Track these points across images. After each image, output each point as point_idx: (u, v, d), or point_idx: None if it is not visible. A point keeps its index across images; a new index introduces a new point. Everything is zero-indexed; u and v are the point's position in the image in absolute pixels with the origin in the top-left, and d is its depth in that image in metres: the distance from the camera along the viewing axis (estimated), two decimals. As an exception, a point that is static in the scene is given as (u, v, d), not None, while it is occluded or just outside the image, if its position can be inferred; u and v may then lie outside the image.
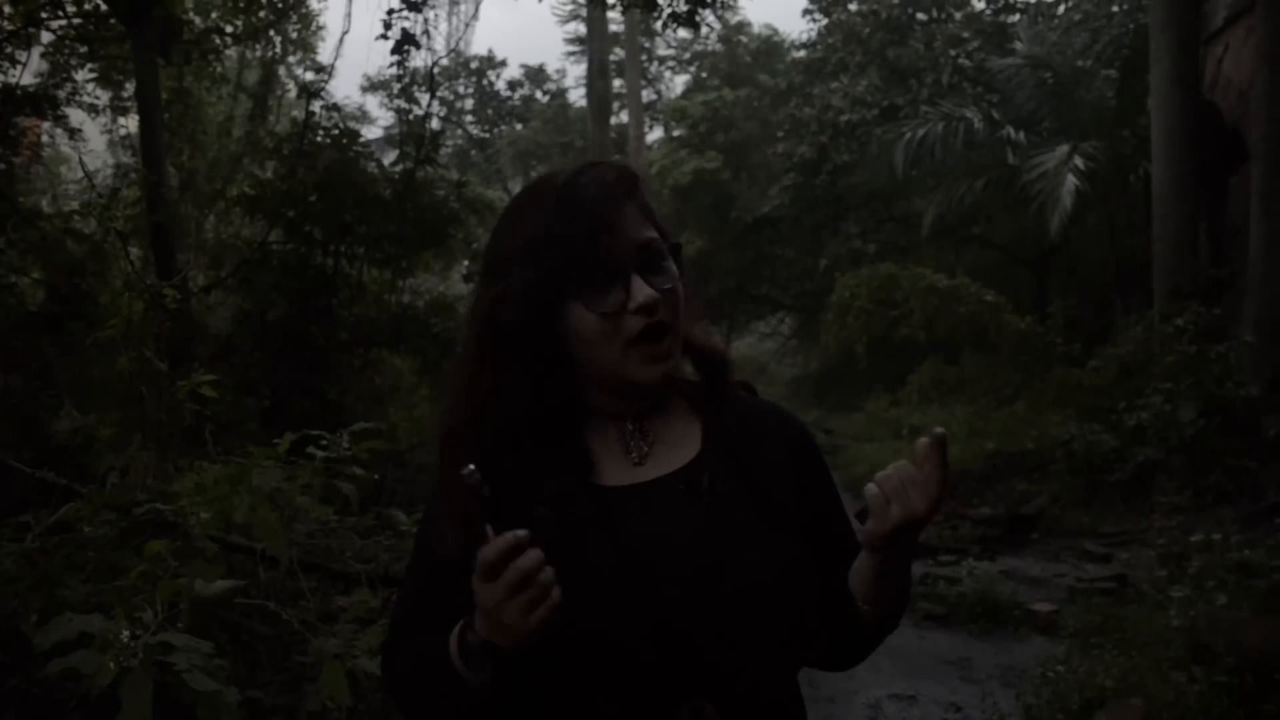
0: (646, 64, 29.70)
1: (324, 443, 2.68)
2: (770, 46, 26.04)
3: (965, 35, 17.55)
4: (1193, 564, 5.15)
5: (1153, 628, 4.48)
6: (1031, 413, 10.42)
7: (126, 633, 1.66)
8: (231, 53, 12.36)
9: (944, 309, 12.70)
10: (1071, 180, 11.53)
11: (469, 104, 31.53)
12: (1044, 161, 12.11)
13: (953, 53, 17.21)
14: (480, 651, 1.02)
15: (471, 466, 0.99)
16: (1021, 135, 13.60)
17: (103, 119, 11.75)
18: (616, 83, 22.76)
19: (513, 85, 31.70)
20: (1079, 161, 11.74)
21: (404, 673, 1.17)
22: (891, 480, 1.08)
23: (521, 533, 0.97)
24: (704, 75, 28.03)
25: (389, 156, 9.81)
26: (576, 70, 30.98)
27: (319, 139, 8.70)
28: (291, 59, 14.29)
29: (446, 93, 29.07)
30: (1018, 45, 14.90)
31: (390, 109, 27.52)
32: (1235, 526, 6.18)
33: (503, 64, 31.43)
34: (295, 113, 12.56)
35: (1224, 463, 7.25)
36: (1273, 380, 7.96)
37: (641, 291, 1.10)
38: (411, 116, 9.80)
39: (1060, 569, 6.63)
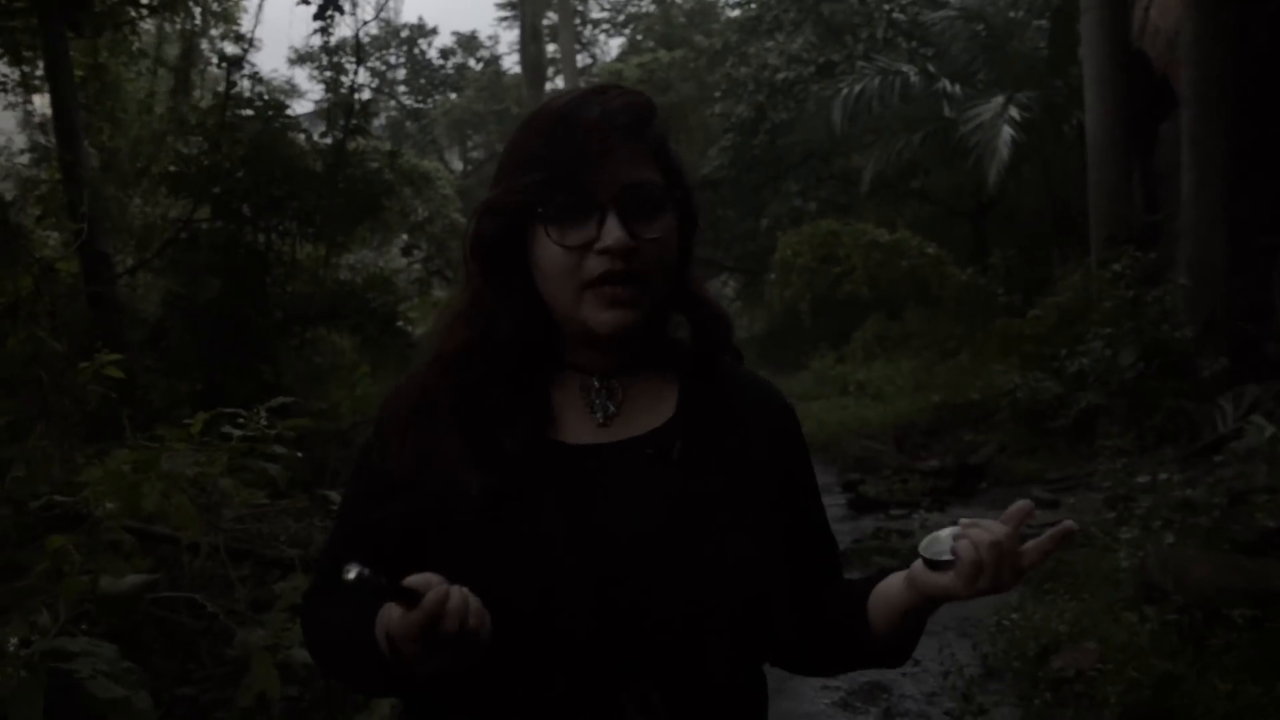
0: (580, 27, 29.27)
1: (241, 420, 2.53)
2: (704, 6, 25.82)
3: (898, -11, 17.52)
4: (1140, 505, 5.22)
5: (1103, 570, 4.53)
6: (975, 364, 10.53)
7: (15, 640, 1.53)
8: (149, 26, 11.89)
9: (886, 264, 12.75)
10: (1008, 131, 11.59)
11: (401, 74, 30.89)
12: (980, 113, 12.15)
13: (886, 7, 17.16)
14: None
15: (357, 569, 0.87)
16: (957, 88, 13.63)
17: (12, 97, 11.23)
18: (550, 47, 22.40)
19: (445, 53, 31.10)
20: (1014, 112, 11.80)
21: (325, 639, 1.10)
22: (994, 551, 0.96)
23: (438, 594, 0.87)
24: (638, 37, 27.73)
25: (321, 130, 9.52)
26: (509, 36, 30.52)
27: (243, 112, 8.40)
28: (213, 31, 13.82)
29: (377, 63, 28.45)
30: (950, -3, 14.88)
31: (319, 81, 26.85)
32: (1176, 466, 6.29)
33: (434, 32, 30.85)
34: (220, 87, 12.16)
35: (1163, 404, 7.38)
36: (1206, 322, 8.11)
37: (612, 234, 1.00)
38: (341, 87, 9.51)
39: (1009, 516, 6.70)
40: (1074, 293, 9.47)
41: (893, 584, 1.06)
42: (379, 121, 23.30)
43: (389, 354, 9.34)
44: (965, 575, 0.97)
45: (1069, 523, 1.00)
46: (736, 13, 21.58)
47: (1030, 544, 0.99)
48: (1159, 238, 10.22)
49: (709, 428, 1.08)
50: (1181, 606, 3.74)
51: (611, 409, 1.08)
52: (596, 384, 1.09)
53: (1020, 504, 0.99)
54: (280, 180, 8.08)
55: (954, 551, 0.97)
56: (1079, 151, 11.42)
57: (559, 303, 1.04)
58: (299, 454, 2.61)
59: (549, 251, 1.02)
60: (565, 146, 1.01)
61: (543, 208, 1.01)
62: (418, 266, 14.23)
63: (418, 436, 1.04)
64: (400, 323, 9.12)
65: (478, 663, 0.91)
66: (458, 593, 0.88)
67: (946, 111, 13.43)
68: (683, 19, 25.89)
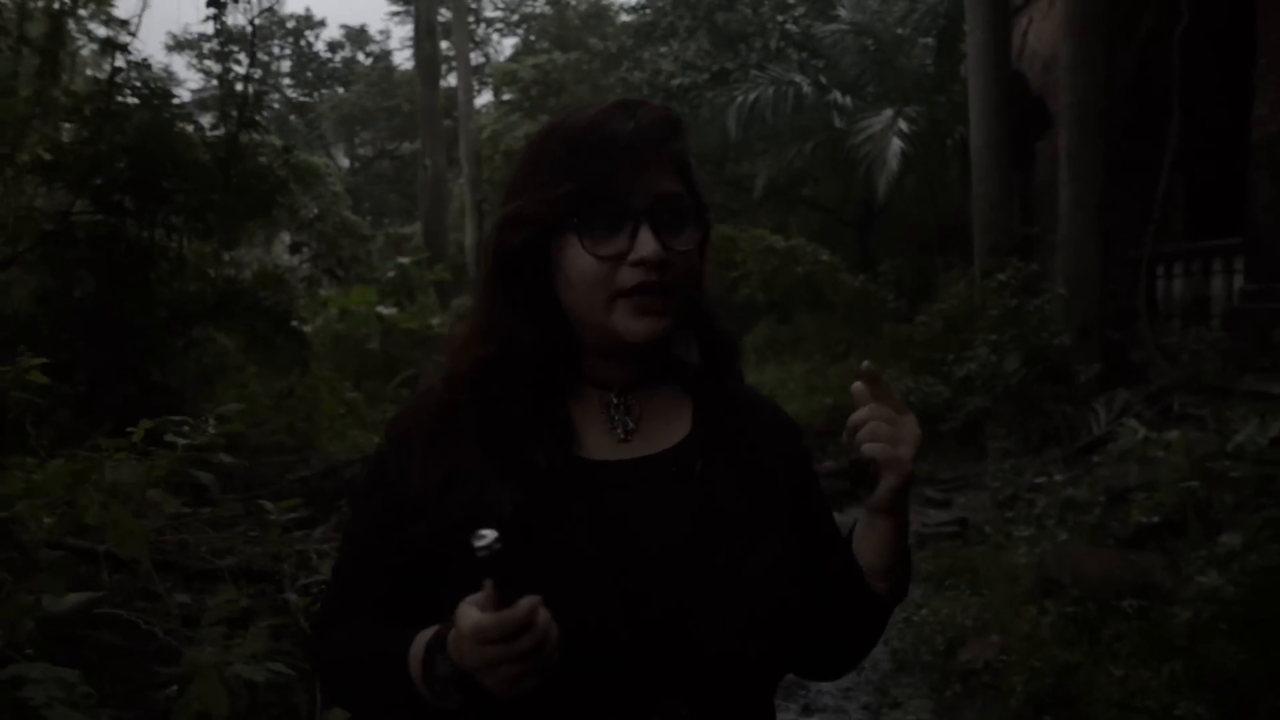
0: (474, 26, 28.94)
1: (185, 429, 2.41)
2: (599, 10, 25.91)
3: (791, 1, 17.93)
4: (1036, 505, 5.49)
5: (1001, 566, 4.75)
6: (867, 368, 10.81)
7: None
8: (8, 2, 11.18)
9: (782, 269, 13.02)
10: (897, 143, 12.01)
11: (286, 66, 29.94)
12: (870, 125, 12.56)
13: (780, 18, 17.55)
14: (450, 681, 0.90)
15: (493, 534, 0.83)
16: (847, 100, 14.05)
17: None
18: (443, 44, 22.05)
19: (333, 46, 30.35)
20: (903, 125, 12.24)
21: (338, 662, 1.06)
22: (880, 428, 1.00)
23: (536, 600, 0.85)
24: (532, 38, 27.63)
25: (202, 121, 9.15)
26: (401, 31, 29.92)
27: (127, 99, 7.99)
28: (83, 11, 13.08)
29: (261, 54, 27.51)
30: (841, 12, 15.33)
31: (200, 70, 25.81)
32: (1059, 466, 6.64)
33: (321, 24, 30.13)
34: (91, 71, 11.51)
35: (1045, 408, 7.77)
36: (1082, 329, 8.59)
37: (647, 245, 1.00)
38: (231, 76, 9.14)
39: (905, 516, 6.93)
40: (959, 300, 9.88)
41: (859, 526, 1.09)
42: (264, 114, 22.53)
43: (279, 354, 9.04)
44: (889, 462, 1.00)
45: (867, 364, 1.04)
46: (631, 18, 21.70)
47: (882, 403, 1.01)
48: (1036, 249, 10.77)
49: (726, 445, 1.10)
50: (1077, 599, 3.97)
51: (631, 424, 1.08)
52: (615, 400, 1.08)
53: (863, 368, 1.03)
54: (169, 173, 7.71)
55: (870, 459, 1.00)
56: (960, 164, 11.93)
57: (587, 313, 1.03)
58: (246, 464, 2.51)
59: (581, 261, 1.01)
60: (598, 158, 1.00)
61: (577, 218, 1.01)
62: (306, 264, 13.83)
63: (441, 455, 1.02)
64: (294, 322, 8.84)
65: (519, 697, 0.88)
66: (546, 613, 0.86)
67: (837, 122, 13.83)
68: (577, 21, 25.89)
